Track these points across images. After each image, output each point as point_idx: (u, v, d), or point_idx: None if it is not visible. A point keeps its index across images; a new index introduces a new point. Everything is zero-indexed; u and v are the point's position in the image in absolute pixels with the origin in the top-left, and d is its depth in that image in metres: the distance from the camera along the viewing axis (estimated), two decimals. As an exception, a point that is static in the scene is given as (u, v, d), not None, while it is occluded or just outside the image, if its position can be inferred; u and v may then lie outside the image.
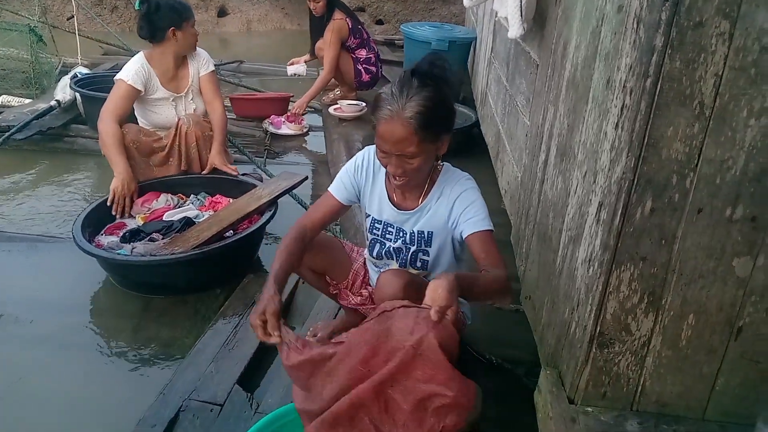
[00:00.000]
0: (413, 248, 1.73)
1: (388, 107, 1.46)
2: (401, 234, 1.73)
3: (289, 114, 4.30)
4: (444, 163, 1.70)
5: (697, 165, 1.16)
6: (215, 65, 3.11)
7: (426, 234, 1.69)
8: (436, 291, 1.28)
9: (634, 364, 1.33)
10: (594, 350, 1.33)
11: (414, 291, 1.58)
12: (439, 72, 1.49)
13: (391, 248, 1.75)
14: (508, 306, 2.19)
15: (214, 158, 2.90)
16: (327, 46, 4.22)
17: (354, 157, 1.79)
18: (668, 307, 1.27)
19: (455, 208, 1.63)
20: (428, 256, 1.72)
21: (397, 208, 1.71)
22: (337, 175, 1.79)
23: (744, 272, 1.22)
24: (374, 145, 1.61)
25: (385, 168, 1.60)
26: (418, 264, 1.74)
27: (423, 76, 1.47)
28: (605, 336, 1.31)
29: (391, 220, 1.73)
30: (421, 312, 1.30)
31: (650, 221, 1.21)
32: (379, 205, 1.75)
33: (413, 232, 1.71)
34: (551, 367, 1.54)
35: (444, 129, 1.54)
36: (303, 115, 4.40)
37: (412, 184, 1.64)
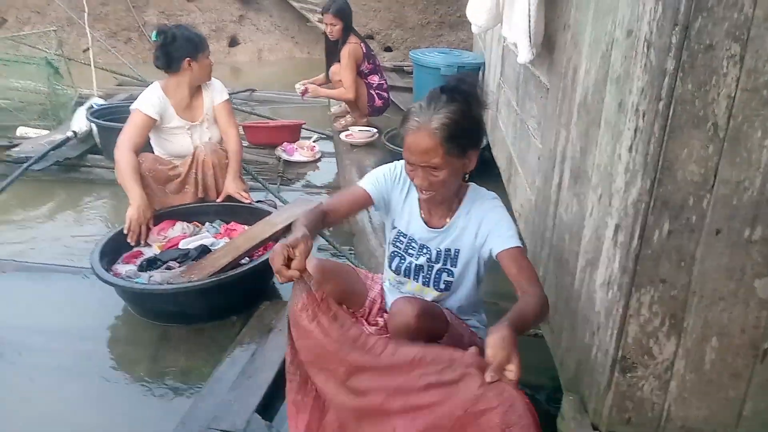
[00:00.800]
0: (437, 266, 1.70)
1: (416, 119, 1.49)
2: (425, 251, 1.71)
3: (306, 86, 4.39)
4: (471, 183, 1.70)
5: (713, 186, 1.16)
6: (228, 94, 3.16)
7: (453, 252, 1.68)
8: (495, 348, 1.19)
9: (658, 388, 1.31)
10: (616, 375, 1.32)
11: (428, 320, 1.56)
12: (467, 88, 1.52)
13: (413, 264, 1.72)
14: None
15: (229, 185, 2.93)
16: (344, 68, 4.24)
17: (395, 162, 1.76)
18: (690, 330, 1.26)
19: (483, 225, 1.62)
20: (452, 276, 1.69)
21: (427, 225, 1.71)
22: (372, 172, 1.77)
23: (766, 293, 1.21)
24: None
25: (412, 181, 1.60)
26: (442, 285, 1.71)
27: (451, 91, 1.50)
28: (627, 360, 1.30)
29: (416, 236, 1.72)
30: (485, 384, 1.19)
31: (668, 243, 1.21)
32: (408, 219, 1.74)
33: (439, 250, 1.69)
34: (573, 393, 1.52)
35: (471, 144, 1.55)
36: (315, 142, 4.45)
37: (438, 200, 1.63)
